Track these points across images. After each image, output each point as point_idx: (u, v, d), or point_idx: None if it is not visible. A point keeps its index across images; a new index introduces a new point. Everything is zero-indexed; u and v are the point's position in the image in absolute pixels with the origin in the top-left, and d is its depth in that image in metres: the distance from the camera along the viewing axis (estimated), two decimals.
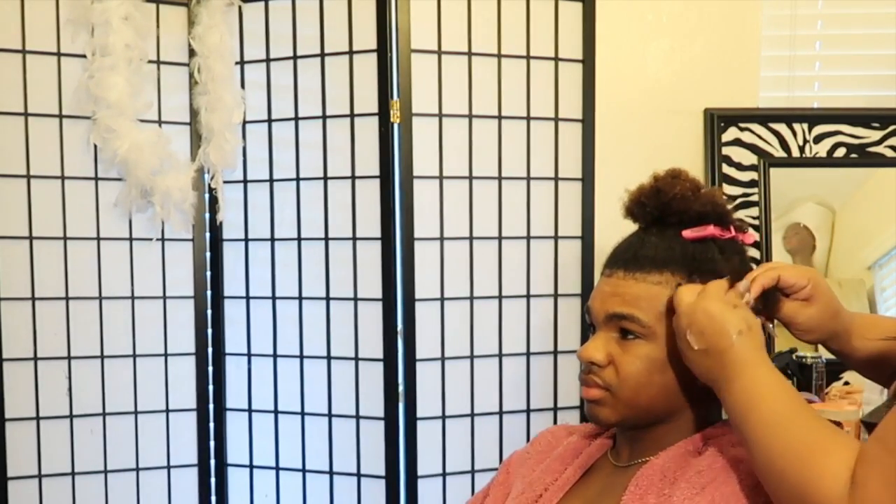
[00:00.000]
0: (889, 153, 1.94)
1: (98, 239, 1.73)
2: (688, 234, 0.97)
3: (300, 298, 1.77)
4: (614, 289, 0.97)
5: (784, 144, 1.94)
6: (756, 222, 1.91)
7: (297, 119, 1.75)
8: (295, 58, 1.74)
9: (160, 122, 1.74)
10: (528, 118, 1.75)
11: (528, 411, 1.79)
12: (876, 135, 1.94)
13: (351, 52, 1.70)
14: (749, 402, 0.86)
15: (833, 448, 0.79)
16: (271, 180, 1.78)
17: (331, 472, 1.77)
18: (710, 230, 0.98)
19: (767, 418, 0.84)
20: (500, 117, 1.74)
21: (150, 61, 1.71)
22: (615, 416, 0.97)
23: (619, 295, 0.96)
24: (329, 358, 1.76)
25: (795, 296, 0.97)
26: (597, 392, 0.97)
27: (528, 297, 1.78)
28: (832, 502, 0.76)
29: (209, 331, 1.82)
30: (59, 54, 1.67)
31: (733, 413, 0.88)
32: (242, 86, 1.77)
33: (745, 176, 1.93)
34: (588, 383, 0.98)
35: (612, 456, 1.04)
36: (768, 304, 0.97)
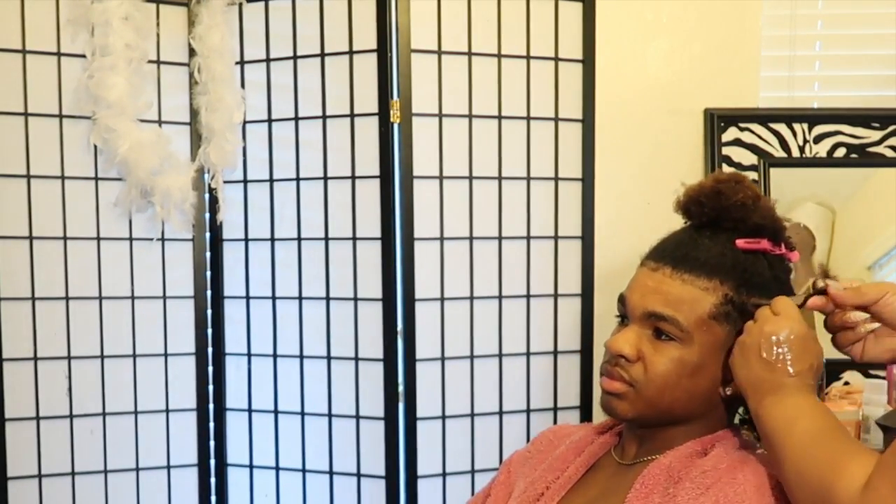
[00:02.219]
0: (889, 153, 1.93)
1: (98, 239, 1.73)
2: (741, 244, 0.96)
3: (300, 298, 1.77)
4: (658, 285, 0.95)
5: (784, 144, 1.94)
6: None
7: (297, 119, 1.75)
8: (295, 58, 1.74)
9: (160, 122, 1.74)
10: (528, 118, 1.75)
11: (528, 411, 1.79)
12: (876, 135, 1.94)
13: (351, 52, 1.70)
14: (790, 419, 0.87)
15: (855, 457, 0.81)
16: (271, 180, 1.78)
17: (331, 472, 1.77)
18: (764, 244, 0.96)
19: (804, 432, 0.86)
20: (500, 117, 1.74)
21: (150, 61, 1.71)
22: (633, 412, 0.96)
23: (661, 293, 0.94)
24: (329, 358, 1.76)
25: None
26: (619, 385, 0.96)
27: (528, 297, 1.77)
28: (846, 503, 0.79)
29: (209, 331, 1.81)
30: (59, 54, 1.66)
31: (772, 426, 0.88)
32: (242, 86, 1.77)
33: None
34: (612, 375, 0.97)
35: (617, 454, 1.03)
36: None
